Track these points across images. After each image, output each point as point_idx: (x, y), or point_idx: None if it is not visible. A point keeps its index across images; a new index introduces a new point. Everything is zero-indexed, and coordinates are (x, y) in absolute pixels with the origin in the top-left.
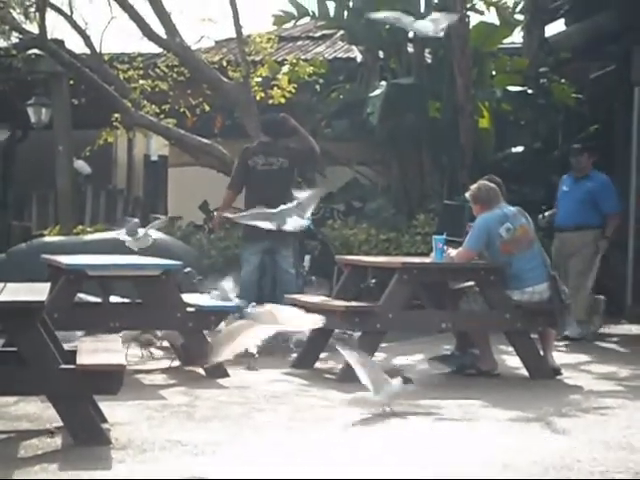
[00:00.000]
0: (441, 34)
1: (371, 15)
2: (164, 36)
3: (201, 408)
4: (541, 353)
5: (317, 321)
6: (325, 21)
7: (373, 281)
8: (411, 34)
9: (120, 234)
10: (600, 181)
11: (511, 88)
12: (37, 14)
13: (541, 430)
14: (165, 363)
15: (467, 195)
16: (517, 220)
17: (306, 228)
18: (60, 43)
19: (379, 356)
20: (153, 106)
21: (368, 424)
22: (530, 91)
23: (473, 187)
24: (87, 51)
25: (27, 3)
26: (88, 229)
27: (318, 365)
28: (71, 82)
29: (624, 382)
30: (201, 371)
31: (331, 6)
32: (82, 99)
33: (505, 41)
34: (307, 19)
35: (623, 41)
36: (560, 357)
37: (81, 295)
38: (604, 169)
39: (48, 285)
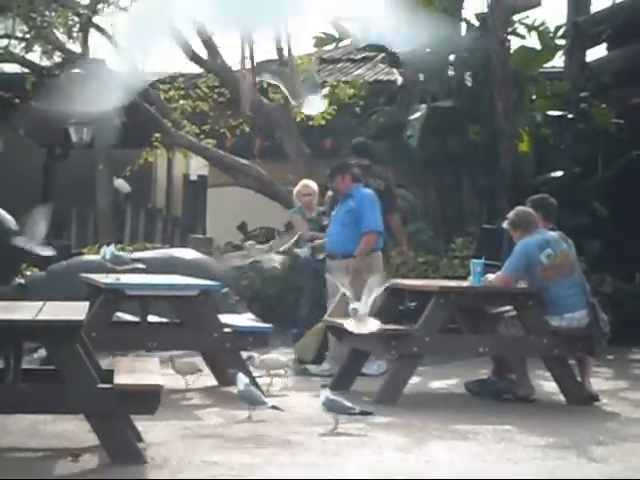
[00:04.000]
0: None
1: None
2: (205, 57)
3: (237, 429)
4: (578, 379)
5: None
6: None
7: (413, 304)
8: (452, 57)
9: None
10: (359, 197)
11: (551, 112)
12: (80, 34)
13: (577, 457)
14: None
15: (505, 225)
16: (558, 246)
17: None
18: (101, 62)
19: (415, 380)
20: (193, 126)
21: (404, 448)
22: (570, 116)
23: (510, 214)
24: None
25: (70, 23)
26: (127, 248)
27: (354, 387)
28: None
29: None
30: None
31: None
32: (123, 118)
33: (546, 65)
34: (348, 41)
35: None
36: (598, 383)
37: (119, 314)
38: None
39: (87, 304)
